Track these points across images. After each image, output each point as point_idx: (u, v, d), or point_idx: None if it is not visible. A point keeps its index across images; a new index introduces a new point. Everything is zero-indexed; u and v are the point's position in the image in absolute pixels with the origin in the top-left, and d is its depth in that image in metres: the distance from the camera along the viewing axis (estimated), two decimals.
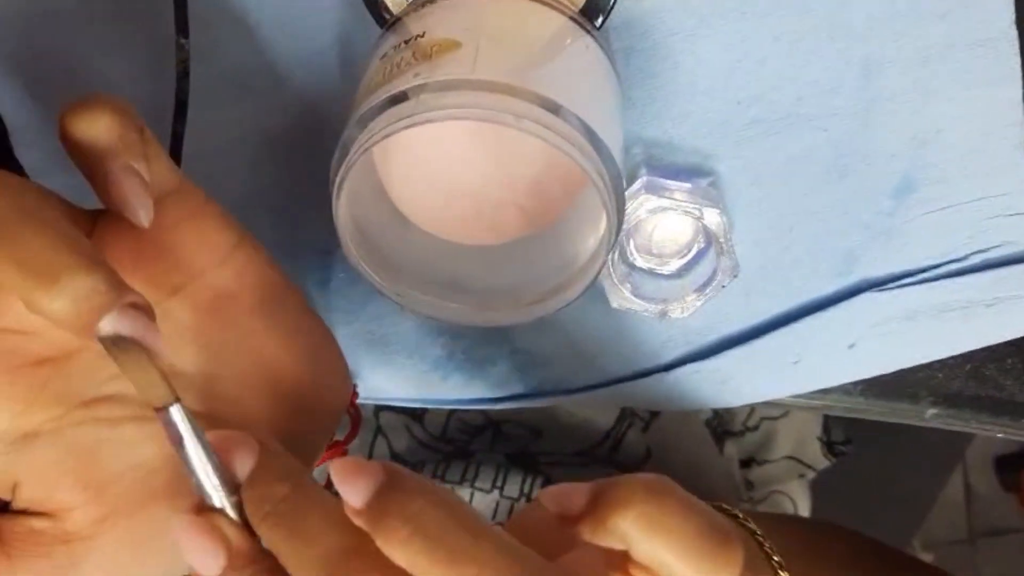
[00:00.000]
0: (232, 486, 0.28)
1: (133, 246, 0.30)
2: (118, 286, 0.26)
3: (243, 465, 0.28)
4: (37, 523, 0.31)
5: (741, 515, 0.38)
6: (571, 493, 0.29)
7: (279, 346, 0.34)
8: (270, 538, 0.27)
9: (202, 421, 0.32)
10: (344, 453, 0.40)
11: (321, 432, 0.36)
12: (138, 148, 0.29)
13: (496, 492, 0.53)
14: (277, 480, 0.27)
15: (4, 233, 0.26)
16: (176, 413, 0.28)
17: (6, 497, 0.31)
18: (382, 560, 0.25)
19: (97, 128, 0.29)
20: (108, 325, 0.26)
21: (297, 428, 0.35)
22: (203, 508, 0.28)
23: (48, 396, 0.30)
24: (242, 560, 0.27)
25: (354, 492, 0.26)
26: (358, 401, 0.47)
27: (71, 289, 0.25)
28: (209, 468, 0.28)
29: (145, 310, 0.27)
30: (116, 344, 0.27)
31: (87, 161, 0.29)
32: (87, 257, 0.26)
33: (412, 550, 0.25)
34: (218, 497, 0.28)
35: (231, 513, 0.28)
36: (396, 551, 0.25)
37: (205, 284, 0.32)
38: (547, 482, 0.53)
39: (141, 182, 0.29)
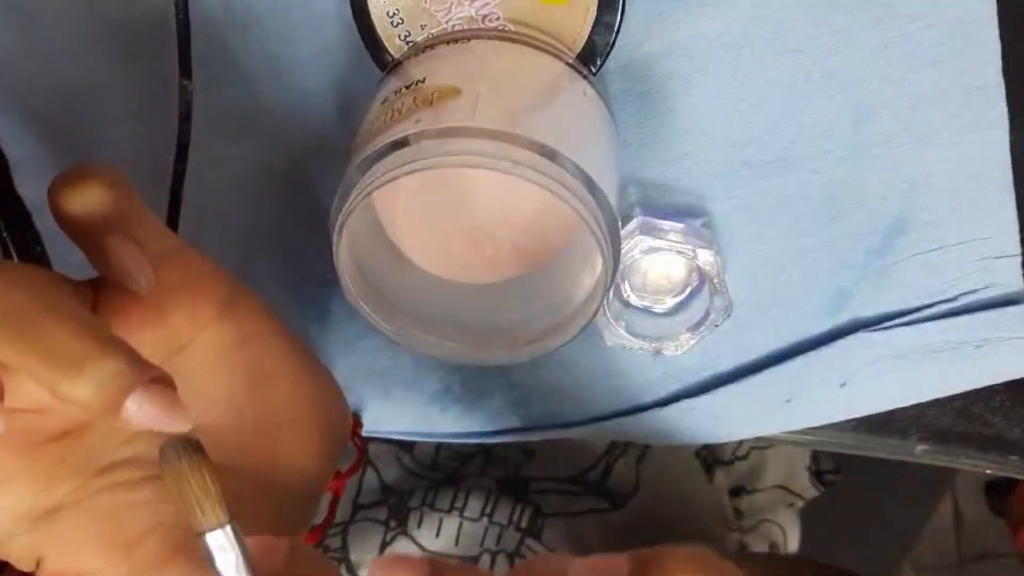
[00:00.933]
0: None
1: (135, 311, 0.31)
2: (139, 364, 0.27)
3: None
4: None
5: None
6: (612, 565, 0.28)
7: (284, 389, 0.34)
8: None
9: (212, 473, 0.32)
10: (344, 483, 0.40)
11: (326, 465, 0.36)
12: (133, 217, 0.30)
13: (485, 519, 0.53)
14: None
15: (28, 326, 0.26)
16: (226, 535, 0.28)
17: (30, 570, 0.31)
18: None
19: (91, 201, 0.29)
20: (134, 403, 0.26)
21: (304, 465, 0.35)
22: None
23: (68, 469, 0.31)
24: None
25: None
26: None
27: (98, 376, 0.26)
28: None
29: (166, 382, 0.28)
30: (173, 452, 0.27)
31: (83, 234, 0.29)
32: (107, 342, 0.26)
33: None
34: None
35: None
36: None
37: (208, 339, 0.32)
38: (536, 511, 0.54)
39: (138, 250, 0.29)
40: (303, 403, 0.35)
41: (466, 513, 0.53)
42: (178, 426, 0.28)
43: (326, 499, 0.40)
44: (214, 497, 0.28)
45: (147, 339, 0.31)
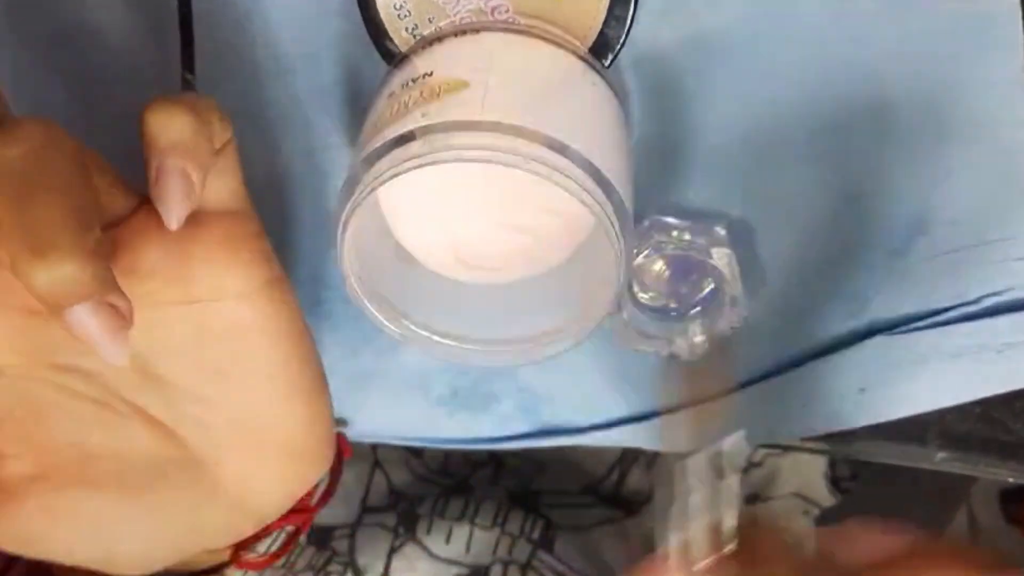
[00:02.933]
0: None
1: (165, 243, 0.30)
2: (105, 283, 0.26)
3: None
4: None
5: None
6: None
7: (274, 396, 0.33)
8: None
9: (159, 429, 0.32)
10: (311, 518, 0.39)
11: (292, 485, 0.35)
12: (202, 156, 0.29)
13: (498, 529, 0.52)
14: None
15: (26, 194, 0.25)
16: None
17: None
18: None
19: (170, 125, 0.28)
20: (81, 312, 0.26)
21: (266, 474, 0.34)
22: None
23: (23, 344, 0.29)
24: None
25: None
26: (356, 439, 0.47)
27: (55, 271, 0.25)
28: None
29: (123, 315, 0.27)
30: None
31: (147, 151, 0.28)
32: (84, 245, 0.25)
33: None
34: None
35: None
36: None
37: (220, 309, 0.31)
38: (548, 525, 0.53)
39: (186, 187, 0.29)
40: (280, 419, 0.33)
41: (477, 521, 0.52)
42: (111, 356, 0.27)
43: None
44: None
45: (160, 274, 0.30)
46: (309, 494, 0.38)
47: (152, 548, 0.32)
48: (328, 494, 0.39)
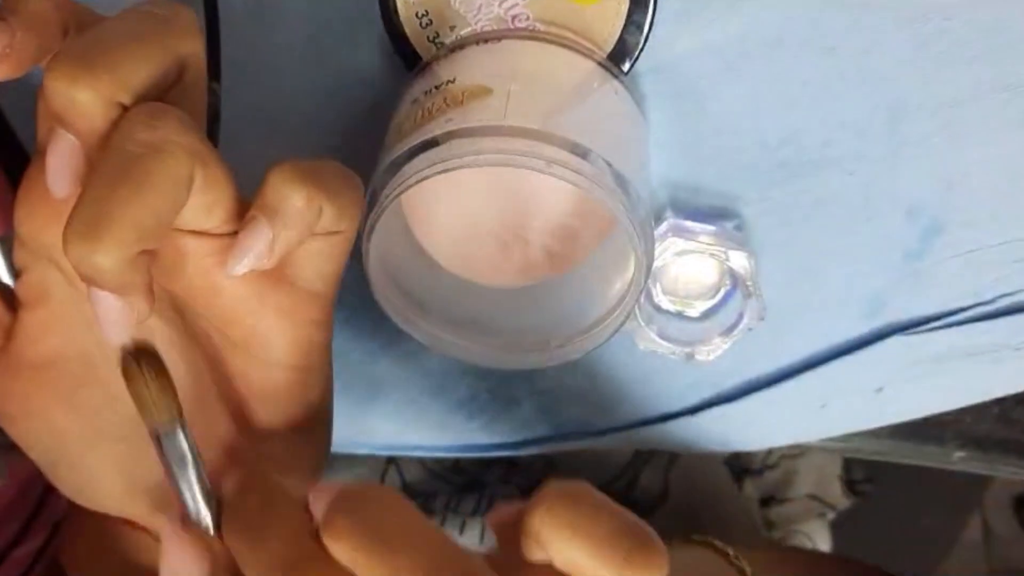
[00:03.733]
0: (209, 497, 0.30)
1: (232, 280, 0.30)
2: (128, 288, 0.26)
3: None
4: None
5: (732, 552, 0.37)
6: (507, 511, 0.29)
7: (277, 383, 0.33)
8: (236, 547, 0.28)
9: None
10: None
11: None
12: (296, 234, 0.29)
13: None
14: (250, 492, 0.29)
15: (117, 177, 0.25)
16: (180, 437, 0.29)
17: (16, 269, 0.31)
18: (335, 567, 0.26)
19: (283, 193, 0.28)
20: (100, 299, 0.27)
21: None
22: (187, 520, 0.29)
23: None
24: (224, 570, 0.28)
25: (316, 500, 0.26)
26: (374, 451, 0.47)
27: (85, 254, 0.25)
28: (197, 489, 0.29)
29: (133, 317, 0.27)
30: (132, 354, 0.28)
31: (254, 196, 0.29)
32: (128, 252, 0.25)
33: (350, 545, 0.25)
34: (203, 515, 0.29)
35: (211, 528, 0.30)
36: (336, 545, 0.25)
37: (243, 362, 0.32)
38: None
39: (260, 250, 0.28)
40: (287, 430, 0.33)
41: None
42: (105, 334, 0.28)
43: None
44: (169, 396, 0.28)
45: (214, 304, 0.31)
46: None
47: (86, 486, 0.32)
48: None
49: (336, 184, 0.29)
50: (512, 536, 0.28)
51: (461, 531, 0.51)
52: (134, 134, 0.26)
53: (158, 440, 0.29)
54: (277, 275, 0.30)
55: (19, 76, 0.27)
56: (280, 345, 0.31)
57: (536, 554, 0.28)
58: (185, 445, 0.29)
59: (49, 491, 0.61)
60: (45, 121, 0.28)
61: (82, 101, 0.26)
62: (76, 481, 0.32)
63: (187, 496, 0.29)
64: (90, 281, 0.26)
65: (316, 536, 0.26)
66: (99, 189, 0.25)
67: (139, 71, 0.27)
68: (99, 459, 0.32)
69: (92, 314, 0.27)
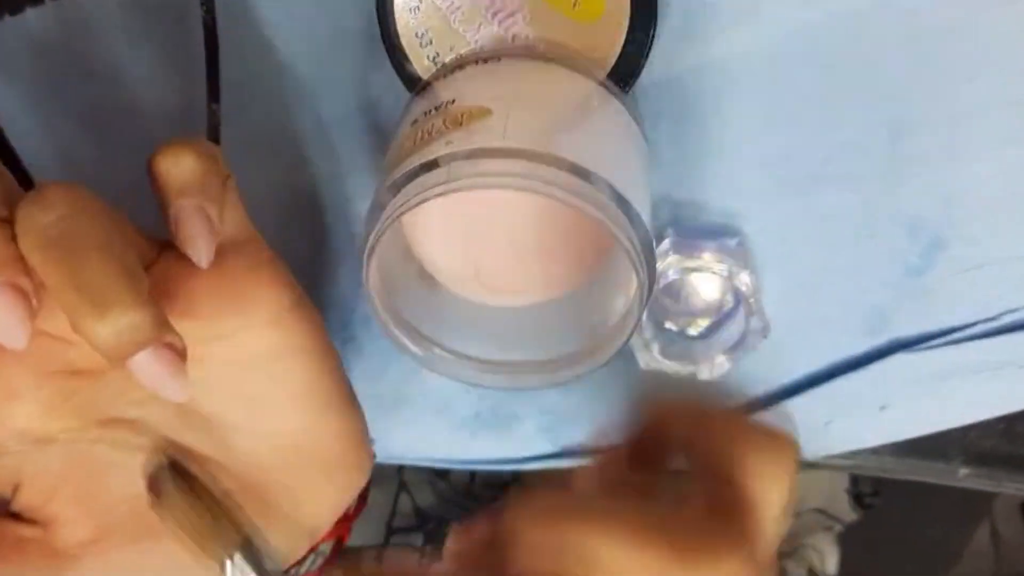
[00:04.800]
0: None
1: (190, 284, 0.30)
2: (163, 326, 0.27)
3: None
4: (27, 531, 0.31)
5: None
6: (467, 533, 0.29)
7: (310, 413, 0.33)
8: None
9: (211, 465, 0.32)
10: (349, 528, 0.40)
11: (339, 495, 0.36)
12: (214, 192, 0.30)
13: None
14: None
15: (74, 256, 0.26)
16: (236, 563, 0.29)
17: (5, 495, 0.31)
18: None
19: (179, 167, 0.29)
20: (144, 357, 0.27)
21: (313, 490, 0.34)
22: None
23: (71, 407, 0.30)
24: None
25: None
26: (382, 460, 0.47)
27: (119, 323, 0.25)
28: None
29: (179, 353, 0.28)
30: (167, 483, 0.28)
31: (163, 196, 0.29)
32: (140, 294, 0.26)
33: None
34: None
35: None
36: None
37: (250, 338, 0.32)
38: None
39: (208, 224, 0.29)
40: (318, 435, 0.34)
41: None
42: (173, 394, 0.28)
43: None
44: (216, 529, 0.28)
45: (190, 316, 0.31)
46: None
47: None
48: (362, 500, 0.40)
49: (195, 142, 0.30)
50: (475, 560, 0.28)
51: None
52: (43, 220, 0.26)
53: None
54: (218, 249, 0.31)
55: None
56: (269, 294, 0.32)
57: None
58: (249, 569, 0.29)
59: None
60: None
61: None
62: None
63: None
64: (130, 349, 0.26)
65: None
66: (68, 275, 0.26)
67: None
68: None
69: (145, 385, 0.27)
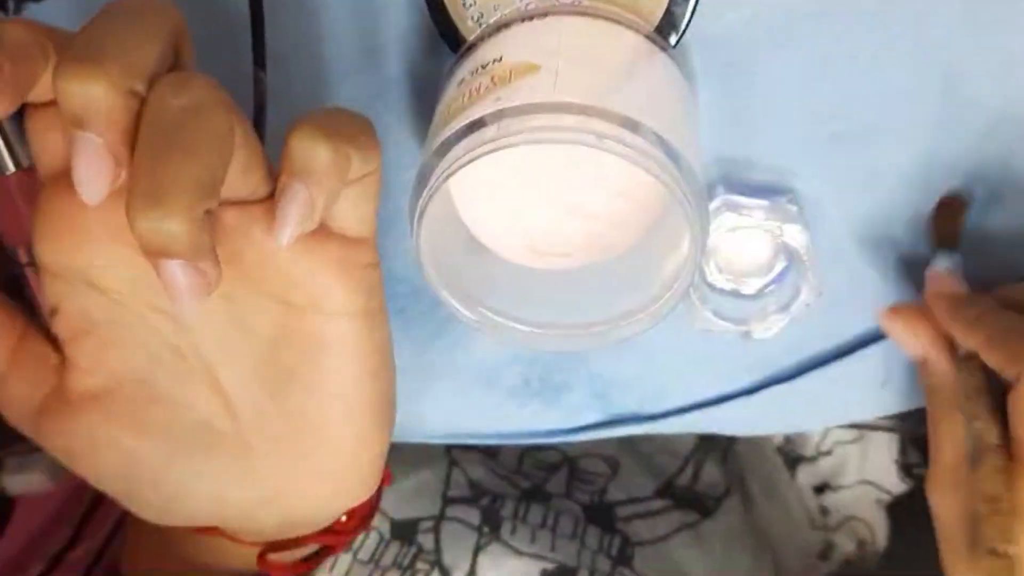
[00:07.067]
0: None
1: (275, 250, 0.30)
2: (199, 250, 0.26)
3: None
4: (53, 356, 0.32)
5: None
6: None
7: (335, 413, 0.33)
8: None
9: (222, 400, 0.32)
10: (344, 540, 0.39)
11: (330, 502, 0.36)
12: (330, 186, 0.29)
13: (578, 541, 0.53)
14: None
15: (165, 146, 0.26)
16: None
17: (48, 312, 0.31)
18: None
19: (308, 153, 0.28)
20: (168, 263, 0.26)
21: (306, 484, 0.34)
22: None
23: (130, 279, 0.30)
24: None
25: None
26: (428, 437, 0.47)
27: (156, 223, 0.25)
28: None
29: (206, 282, 0.27)
30: None
31: (282, 163, 0.29)
32: (194, 212, 0.25)
33: None
34: None
35: None
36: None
37: (310, 319, 0.32)
38: (625, 542, 0.53)
39: (305, 212, 0.29)
40: (334, 435, 0.33)
41: (558, 530, 0.52)
42: (181, 310, 0.30)
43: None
44: None
45: (265, 273, 0.31)
46: (349, 515, 0.38)
47: (172, 503, 0.33)
48: (366, 519, 0.39)
49: (353, 128, 0.29)
50: None
51: (532, 539, 0.51)
52: (168, 103, 0.26)
53: None
54: (322, 230, 0.31)
55: (16, 108, 0.27)
56: (342, 294, 0.31)
57: None
58: None
59: (101, 495, 0.62)
60: (47, 147, 0.29)
61: (98, 95, 0.26)
62: (160, 501, 0.33)
63: None
64: (161, 251, 0.25)
65: None
66: (151, 160, 0.25)
67: (144, 54, 0.27)
68: (180, 473, 0.32)
69: (163, 286, 0.27)
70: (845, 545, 0.75)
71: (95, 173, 0.26)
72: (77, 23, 0.27)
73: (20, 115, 0.37)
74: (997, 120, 0.38)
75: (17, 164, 0.37)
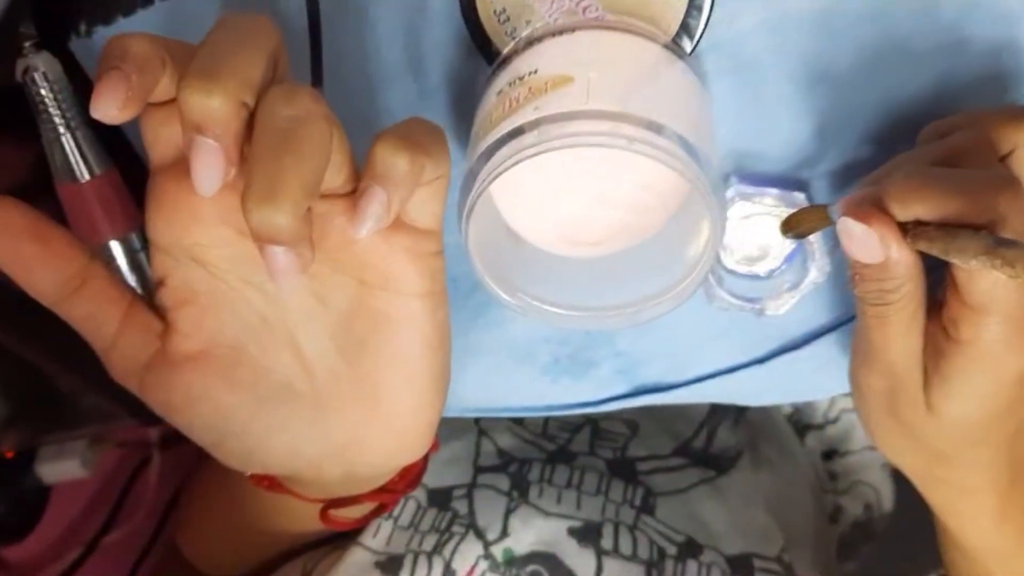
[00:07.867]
0: None
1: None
2: (299, 238, 0.30)
3: None
4: (156, 323, 0.36)
5: None
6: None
7: (398, 378, 0.37)
8: None
9: (302, 363, 0.37)
10: (396, 498, 0.45)
11: (390, 458, 0.40)
12: (406, 190, 0.33)
13: (602, 496, 0.56)
14: None
15: (280, 148, 0.30)
16: None
17: (155, 284, 0.36)
18: None
19: (389, 161, 0.32)
20: (272, 248, 0.31)
21: (370, 440, 0.38)
22: None
23: (230, 256, 0.35)
24: None
25: None
26: (462, 413, 0.51)
27: (268, 216, 0.29)
28: None
29: (300, 263, 0.31)
30: None
31: (365, 167, 0.33)
32: (301, 207, 0.30)
33: None
34: None
35: None
36: None
37: (382, 297, 0.36)
38: (648, 492, 0.57)
39: (381, 212, 0.33)
40: (396, 397, 0.37)
41: (583, 488, 0.56)
42: (278, 285, 0.35)
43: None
44: None
45: (350, 250, 0.35)
46: (401, 474, 0.43)
47: (253, 452, 0.37)
48: (416, 478, 0.44)
49: (428, 139, 0.34)
50: None
51: (559, 500, 0.55)
52: (279, 113, 0.30)
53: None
54: (397, 222, 0.35)
55: (139, 113, 0.31)
56: (411, 278, 0.36)
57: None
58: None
59: (133, 481, 0.66)
60: (159, 140, 0.33)
61: (216, 107, 0.30)
62: (244, 449, 0.37)
63: None
64: (269, 239, 0.30)
65: None
66: (266, 162, 0.29)
67: (254, 71, 0.31)
68: (263, 425, 0.36)
69: (264, 267, 0.31)
70: (853, 508, 0.77)
71: (211, 171, 0.30)
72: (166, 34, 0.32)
73: (91, 127, 0.41)
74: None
75: (91, 172, 0.41)
